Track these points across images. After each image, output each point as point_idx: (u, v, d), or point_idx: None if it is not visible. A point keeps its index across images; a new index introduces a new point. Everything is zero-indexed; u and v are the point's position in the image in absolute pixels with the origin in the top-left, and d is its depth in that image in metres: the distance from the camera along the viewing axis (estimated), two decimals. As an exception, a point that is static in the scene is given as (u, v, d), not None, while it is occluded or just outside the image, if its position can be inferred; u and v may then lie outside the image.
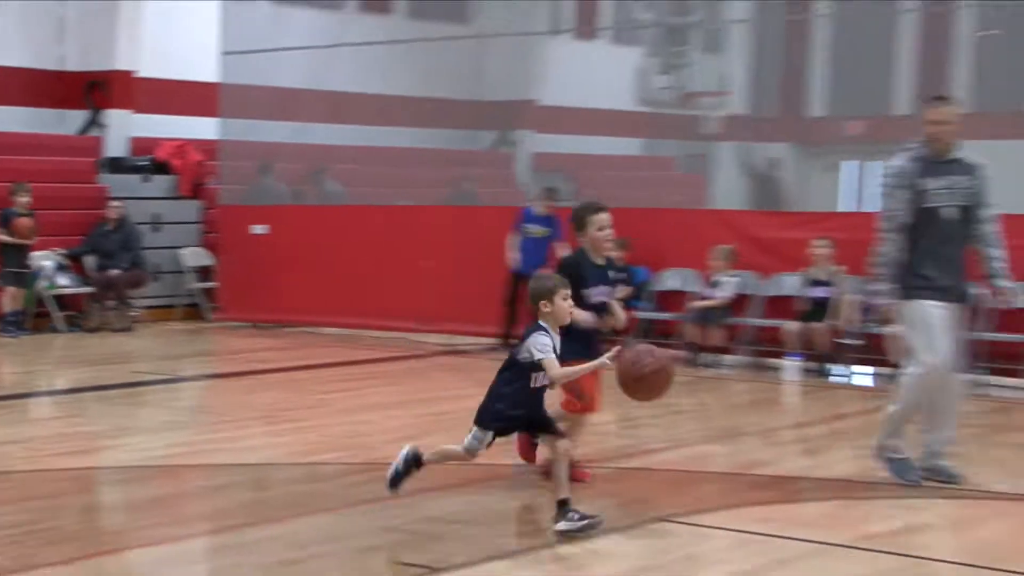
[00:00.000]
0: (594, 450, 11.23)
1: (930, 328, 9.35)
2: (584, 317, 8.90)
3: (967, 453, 9.81)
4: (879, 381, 15.13)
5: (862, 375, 15.53)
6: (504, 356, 16.12)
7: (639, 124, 34.24)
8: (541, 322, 8.31)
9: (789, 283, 16.11)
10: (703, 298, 16.18)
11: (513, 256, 16.58)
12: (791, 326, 15.53)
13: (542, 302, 8.28)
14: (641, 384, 8.29)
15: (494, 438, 8.38)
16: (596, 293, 9.15)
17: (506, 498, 9.57)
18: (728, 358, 16.03)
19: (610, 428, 12.97)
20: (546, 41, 32.21)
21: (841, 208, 33.00)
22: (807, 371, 15.54)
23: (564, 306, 8.29)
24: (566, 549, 7.92)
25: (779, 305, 16.05)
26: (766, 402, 14.52)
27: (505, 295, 16.71)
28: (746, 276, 16.27)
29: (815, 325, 15.38)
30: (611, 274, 9.33)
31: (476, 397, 14.36)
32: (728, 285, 16.11)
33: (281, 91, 22.86)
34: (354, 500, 9.13)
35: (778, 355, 15.91)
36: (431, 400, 13.73)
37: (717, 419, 12.98)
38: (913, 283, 9.42)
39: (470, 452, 8.41)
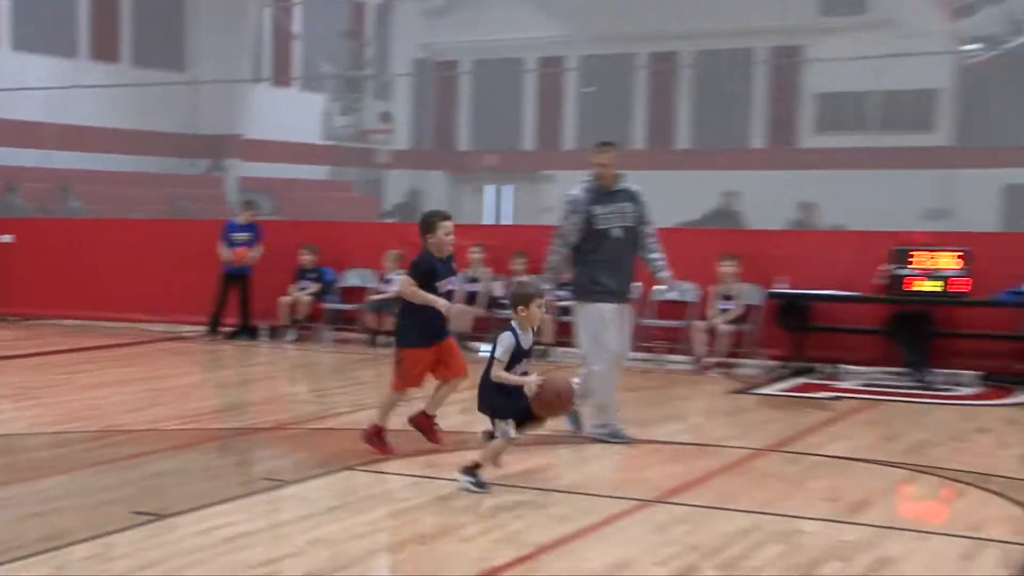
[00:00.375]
0: (292, 415, 11.05)
1: (604, 326, 9.50)
2: (443, 303, 8.75)
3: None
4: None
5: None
6: (213, 340, 16.04)
7: (325, 155, 34.28)
8: (514, 323, 8.02)
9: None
10: (378, 292, 16.10)
11: (225, 258, 16.25)
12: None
13: (520, 307, 7.99)
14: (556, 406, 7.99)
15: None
16: (446, 283, 8.96)
17: (220, 456, 9.32)
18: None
19: (305, 397, 12.81)
20: (249, 87, 31.91)
21: (485, 221, 33.54)
22: (462, 347, 15.53)
23: (537, 312, 8.02)
24: (272, 494, 7.75)
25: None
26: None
27: (217, 291, 16.39)
28: (413, 275, 16.25)
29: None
30: (453, 267, 9.13)
31: (194, 374, 14.20)
32: (398, 282, 16.04)
33: (25, 124, 22.07)
34: (92, 462, 8.72)
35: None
36: (157, 378, 13.29)
37: (391, 388, 12.90)
38: (591, 289, 9.51)
39: (510, 441, 7.97)
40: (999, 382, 13.11)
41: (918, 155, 30.37)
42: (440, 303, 8.74)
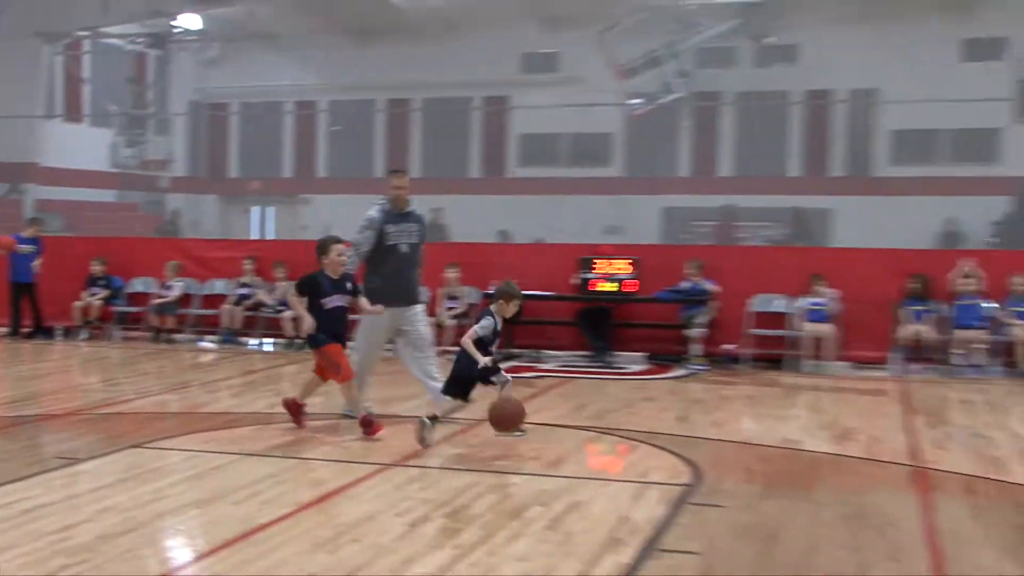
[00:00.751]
0: (84, 402, 10.53)
1: (376, 327, 9.23)
2: (308, 322, 8.47)
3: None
4: (278, 348, 14.97)
5: (270, 344, 15.29)
6: (12, 340, 15.18)
7: (113, 181, 33.03)
8: (492, 308, 8.28)
9: (219, 286, 15.76)
10: (160, 297, 15.60)
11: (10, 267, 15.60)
12: (224, 312, 15.24)
13: (501, 300, 8.23)
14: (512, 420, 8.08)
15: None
16: (331, 301, 8.56)
17: (19, 439, 8.74)
18: (179, 336, 15.49)
19: (96, 386, 12.22)
20: (44, 122, 30.54)
21: (252, 237, 32.95)
22: (232, 343, 15.17)
23: (511, 308, 8.27)
24: (67, 471, 7.35)
25: (213, 300, 15.64)
26: (205, 364, 14.07)
27: (10, 297, 15.60)
28: (189, 281, 15.79)
29: (237, 311, 15.13)
30: (348, 286, 8.72)
31: (-2, 369, 13.33)
32: (177, 287, 15.60)
33: None
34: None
35: (213, 333, 15.47)
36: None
37: (172, 377, 12.44)
38: (376, 295, 9.14)
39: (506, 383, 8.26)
40: (661, 361, 13.58)
41: (598, 184, 31.24)
42: (305, 321, 8.47)
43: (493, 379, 8.23)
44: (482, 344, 8.28)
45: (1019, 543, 6.08)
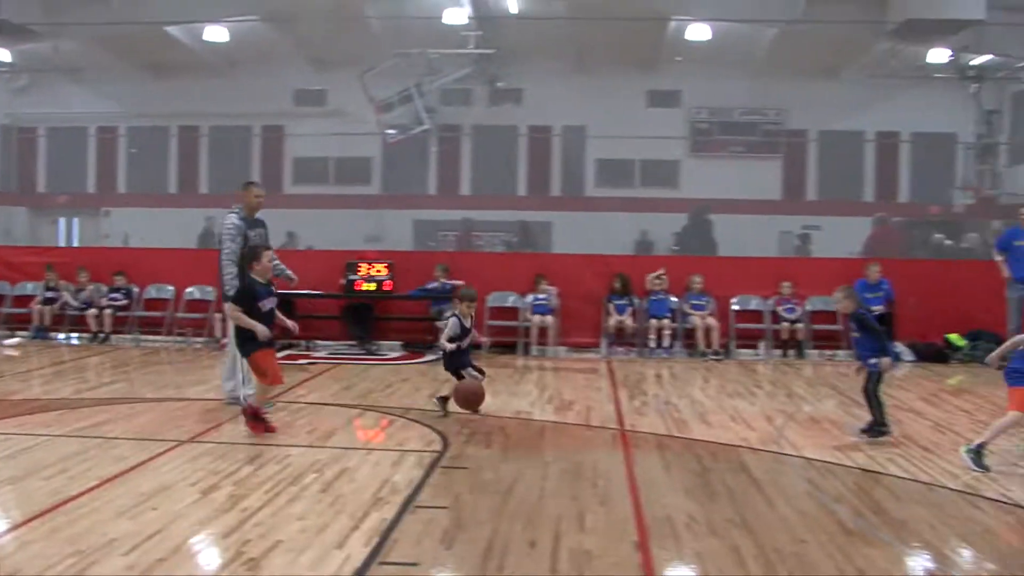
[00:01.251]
0: None
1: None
2: (262, 330, 7.59)
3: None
4: (83, 342, 14.01)
5: (76, 338, 14.27)
6: None
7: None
8: (455, 312, 8.56)
9: (29, 287, 14.67)
10: (-29, 298, 14.39)
11: None
12: (34, 311, 14.19)
13: (464, 303, 8.48)
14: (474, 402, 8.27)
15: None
16: (266, 304, 7.74)
17: None
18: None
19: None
20: None
21: (60, 245, 30.97)
22: (42, 337, 14.10)
23: (464, 307, 8.38)
24: None
25: (24, 300, 14.52)
26: (25, 356, 12.98)
27: None
28: (1, 284, 14.62)
29: (46, 309, 14.11)
30: (272, 287, 7.96)
31: None
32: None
33: None
34: None
35: (25, 329, 14.34)
36: None
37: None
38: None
39: (475, 379, 8.65)
40: (414, 348, 13.57)
41: (361, 200, 30.94)
42: (258, 329, 7.59)
43: (463, 372, 8.60)
44: (453, 341, 8.58)
45: (698, 486, 6.41)
